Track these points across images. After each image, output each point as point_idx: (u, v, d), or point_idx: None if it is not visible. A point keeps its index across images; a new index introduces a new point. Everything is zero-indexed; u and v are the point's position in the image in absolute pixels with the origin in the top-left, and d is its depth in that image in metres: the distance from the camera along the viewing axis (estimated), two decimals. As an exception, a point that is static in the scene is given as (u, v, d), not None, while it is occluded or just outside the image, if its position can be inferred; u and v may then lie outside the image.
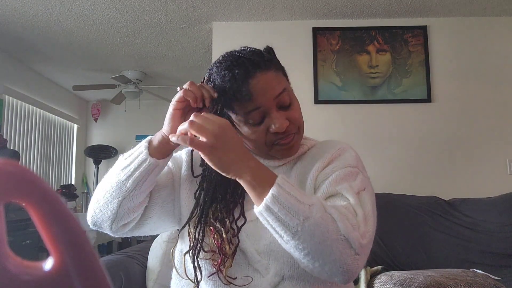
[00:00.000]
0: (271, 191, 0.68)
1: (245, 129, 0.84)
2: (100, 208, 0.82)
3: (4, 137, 3.30)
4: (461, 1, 2.69)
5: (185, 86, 0.79)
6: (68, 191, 4.14)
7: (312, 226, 0.67)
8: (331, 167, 0.84)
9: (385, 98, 2.85)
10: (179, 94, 0.78)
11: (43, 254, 3.05)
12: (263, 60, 0.82)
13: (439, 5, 2.74)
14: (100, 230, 0.86)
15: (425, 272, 1.47)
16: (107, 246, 4.55)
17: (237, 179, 0.72)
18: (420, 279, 1.39)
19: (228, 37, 2.95)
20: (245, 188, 0.73)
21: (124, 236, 0.91)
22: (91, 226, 0.86)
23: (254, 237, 0.82)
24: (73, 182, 4.93)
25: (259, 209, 0.69)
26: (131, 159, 0.81)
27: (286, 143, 0.84)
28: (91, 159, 5.18)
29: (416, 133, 2.82)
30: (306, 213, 0.67)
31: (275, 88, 0.82)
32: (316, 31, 2.92)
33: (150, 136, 0.83)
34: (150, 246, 1.78)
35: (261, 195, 0.70)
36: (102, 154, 5.17)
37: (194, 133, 0.70)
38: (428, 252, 2.13)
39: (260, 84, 0.80)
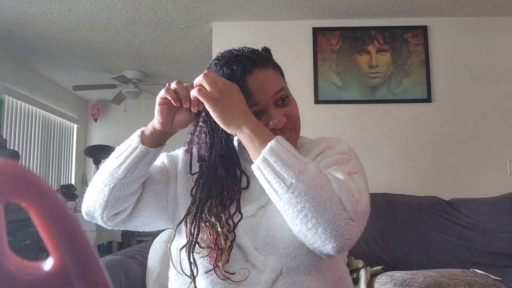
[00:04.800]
0: (269, 144, 0.71)
1: None
2: (92, 197, 0.85)
3: (4, 137, 3.30)
4: (461, 1, 2.69)
5: (173, 84, 0.79)
6: (68, 191, 4.13)
7: (307, 180, 0.67)
8: (322, 156, 0.85)
9: (385, 98, 2.85)
10: (162, 92, 0.79)
11: (43, 254, 3.05)
12: (261, 58, 0.84)
13: (439, 5, 2.74)
14: (94, 221, 0.88)
15: (425, 272, 1.47)
16: (107, 246, 4.54)
17: (237, 134, 0.76)
18: (420, 279, 1.38)
19: (228, 37, 2.95)
20: (243, 141, 0.75)
21: (116, 228, 0.92)
22: (84, 217, 0.88)
23: (251, 233, 0.82)
24: (73, 182, 4.92)
25: (256, 161, 0.71)
26: (124, 148, 0.85)
27: None
28: (91, 159, 5.16)
29: (416, 133, 2.82)
30: (302, 167, 0.69)
31: (273, 86, 0.83)
32: (316, 31, 2.92)
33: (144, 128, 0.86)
34: (150, 246, 1.78)
35: (259, 147, 0.72)
36: (102, 154, 5.15)
37: (206, 85, 0.76)
38: (428, 252, 2.13)
39: (258, 80, 0.81)
